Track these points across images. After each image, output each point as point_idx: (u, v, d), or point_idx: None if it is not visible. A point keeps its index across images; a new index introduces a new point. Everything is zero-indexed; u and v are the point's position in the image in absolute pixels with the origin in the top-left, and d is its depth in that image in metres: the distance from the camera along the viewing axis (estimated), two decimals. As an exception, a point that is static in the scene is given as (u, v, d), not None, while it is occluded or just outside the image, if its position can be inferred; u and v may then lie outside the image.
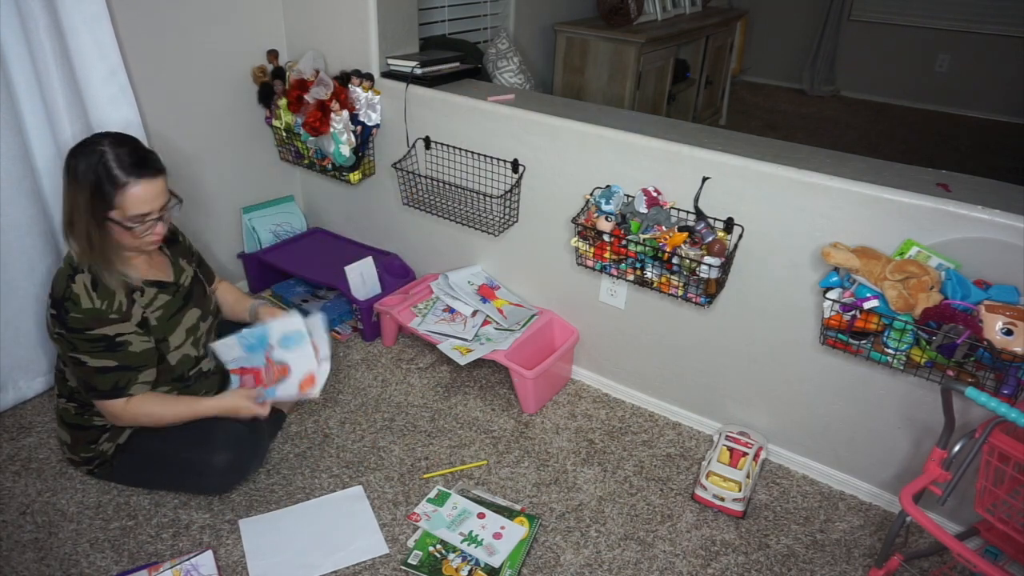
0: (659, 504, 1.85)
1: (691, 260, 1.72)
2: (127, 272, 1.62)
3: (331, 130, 2.19)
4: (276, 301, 2.61)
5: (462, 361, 2.07)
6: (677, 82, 3.84)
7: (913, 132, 4.88)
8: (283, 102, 2.30)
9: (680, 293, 1.81)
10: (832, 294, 1.60)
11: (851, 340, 1.60)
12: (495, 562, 1.63)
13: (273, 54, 2.42)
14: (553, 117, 1.98)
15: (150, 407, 1.65)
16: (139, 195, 1.52)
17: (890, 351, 1.55)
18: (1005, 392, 1.42)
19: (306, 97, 2.20)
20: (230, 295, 2.01)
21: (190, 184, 2.34)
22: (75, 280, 1.55)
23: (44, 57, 1.81)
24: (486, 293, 2.24)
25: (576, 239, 1.92)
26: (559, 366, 2.21)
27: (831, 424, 1.87)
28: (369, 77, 2.25)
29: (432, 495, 1.82)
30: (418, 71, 2.20)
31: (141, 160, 1.53)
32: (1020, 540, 1.31)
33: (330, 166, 2.35)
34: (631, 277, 1.87)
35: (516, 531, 1.71)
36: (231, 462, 1.73)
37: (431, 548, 1.67)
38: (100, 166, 1.49)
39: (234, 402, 1.73)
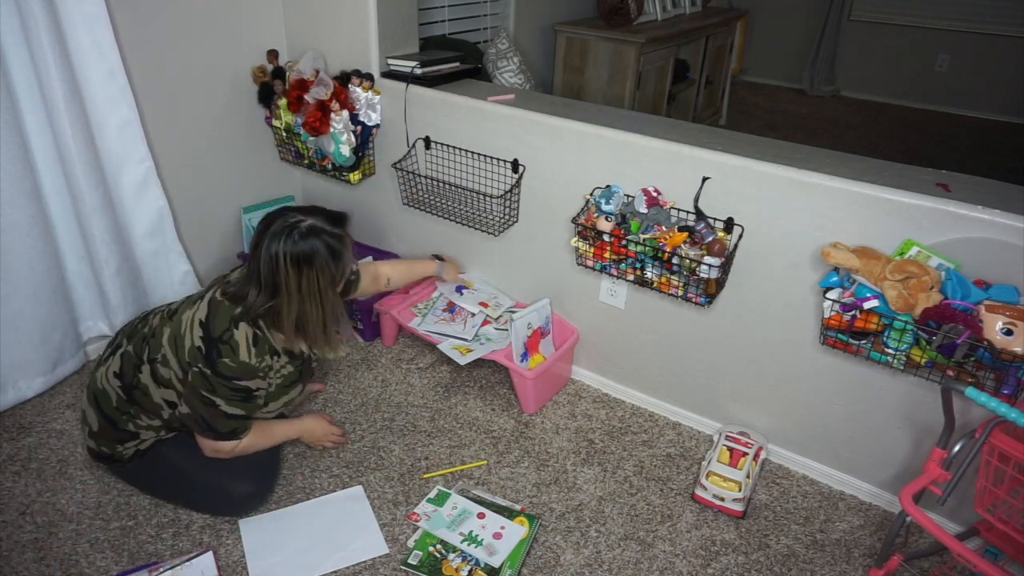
0: (659, 504, 1.85)
1: (691, 260, 1.72)
2: (275, 339, 1.62)
3: (331, 130, 2.19)
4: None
5: (462, 361, 2.07)
6: (677, 82, 3.84)
7: (913, 132, 4.88)
8: (283, 102, 2.30)
9: (680, 293, 1.81)
10: (832, 294, 1.60)
11: (851, 340, 1.60)
12: (495, 562, 1.63)
13: (273, 54, 2.42)
14: (553, 117, 1.98)
15: (252, 443, 1.69)
16: (352, 244, 1.59)
17: (890, 351, 1.55)
18: (1005, 392, 1.42)
19: (306, 97, 2.19)
20: (399, 269, 2.15)
21: (190, 184, 2.34)
22: (238, 327, 1.54)
23: (44, 57, 1.81)
24: (531, 345, 2.12)
25: (576, 239, 1.92)
26: (559, 366, 2.21)
27: (831, 424, 1.87)
28: (369, 77, 2.25)
29: (432, 495, 1.82)
30: (418, 71, 2.20)
31: (334, 214, 1.57)
32: (1020, 540, 1.31)
33: (330, 166, 2.35)
34: (631, 277, 1.87)
35: (516, 531, 1.71)
36: (251, 493, 1.74)
37: (431, 548, 1.67)
38: (325, 237, 1.50)
39: (314, 425, 1.83)
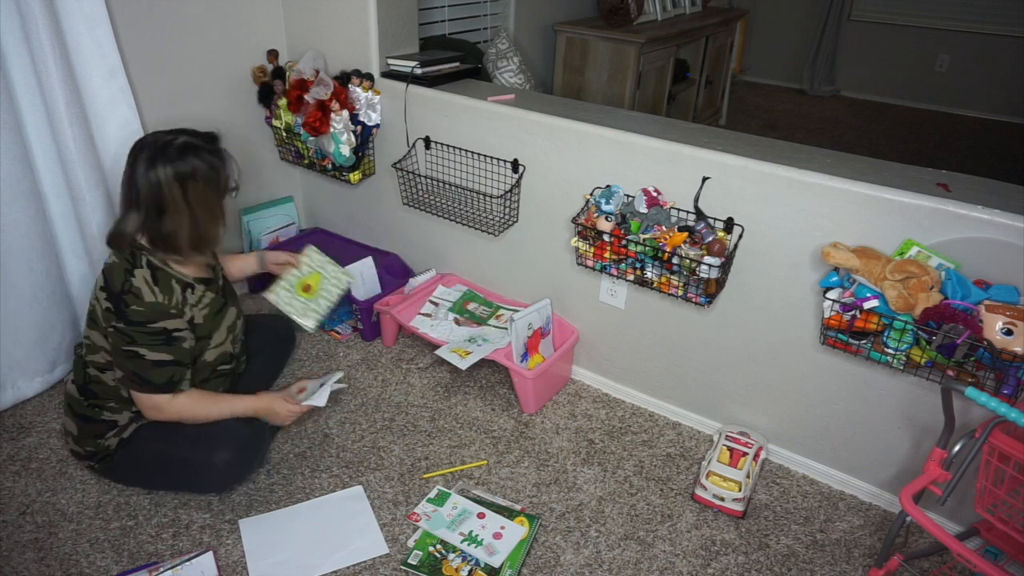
0: (659, 504, 1.85)
1: (691, 260, 1.72)
2: (183, 272, 1.65)
3: (331, 130, 2.19)
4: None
5: (462, 365, 2.06)
6: (677, 82, 3.84)
7: (913, 132, 4.88)
8: (283, 102, 2.30)
9: (680, 293, 1.81)
10: (832, 294, 1.60)
11: (851, 340, 1.60)
12: (495, 562, 1.63)
13: (273, 54, 2.42)
14: (553, 117, 1.98)
15: (194, 405, 1.66)
16: (230, 156, 1.62)
17: (890, 351, 1.55)
18: (1005, 392, 1.42)
19: (306, 97, 2.20)
20: (230, 265, 2.06)
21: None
22: (134, 275, 1.56)
23: (44, 57, 1.81)
24: (532, 345, 2.13)
25: (576, 239, 1.92)
26: (559, 366, 2.21)
27: (831, 424, 1.87)
28: (369, 77, 2.25)
29: (432, 495, 1.82)
30: (418, 71, 2.20)
31: (204, 132, 1.61)
32: (1020, 540, 1.31)
33: (330, 166, 2.35)
34: (631, 277, 1.87)
35: (516, 531, 1.71)
36: (232, 462, 1.73)
37: (431, 548, 1.67)
38: (203, 153, 1.54)
39: (270, 403, 1.76)
